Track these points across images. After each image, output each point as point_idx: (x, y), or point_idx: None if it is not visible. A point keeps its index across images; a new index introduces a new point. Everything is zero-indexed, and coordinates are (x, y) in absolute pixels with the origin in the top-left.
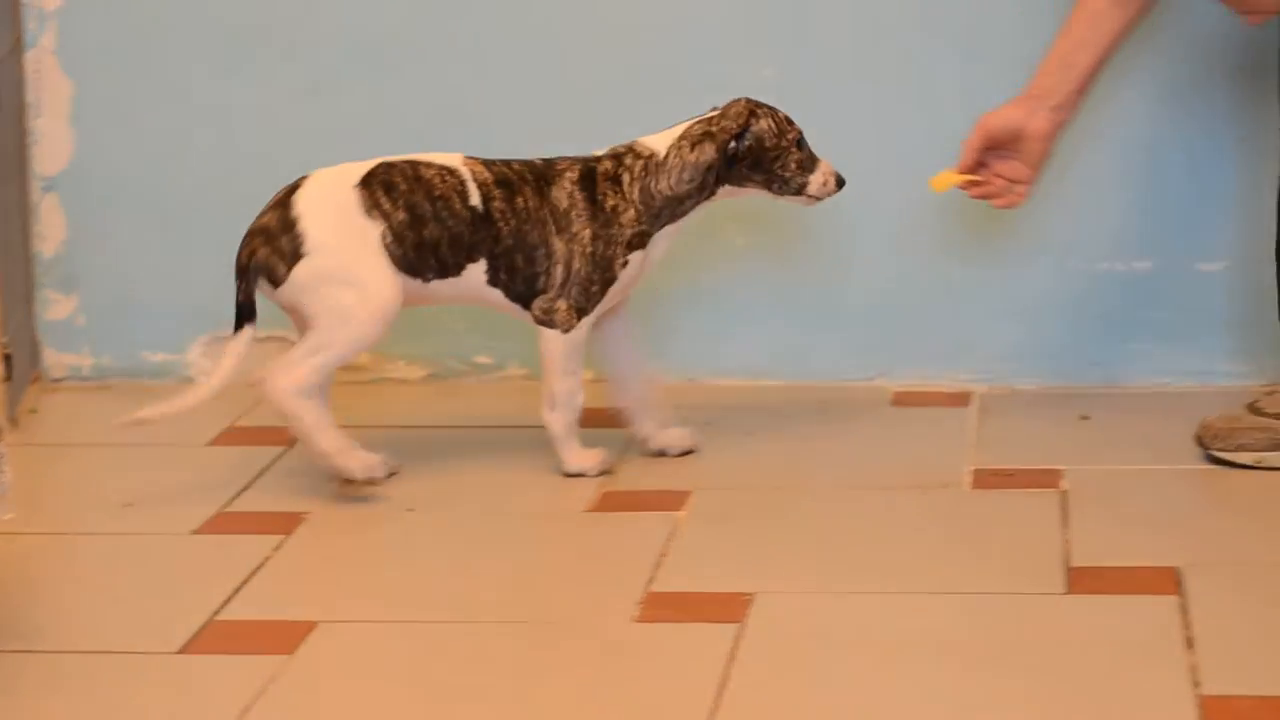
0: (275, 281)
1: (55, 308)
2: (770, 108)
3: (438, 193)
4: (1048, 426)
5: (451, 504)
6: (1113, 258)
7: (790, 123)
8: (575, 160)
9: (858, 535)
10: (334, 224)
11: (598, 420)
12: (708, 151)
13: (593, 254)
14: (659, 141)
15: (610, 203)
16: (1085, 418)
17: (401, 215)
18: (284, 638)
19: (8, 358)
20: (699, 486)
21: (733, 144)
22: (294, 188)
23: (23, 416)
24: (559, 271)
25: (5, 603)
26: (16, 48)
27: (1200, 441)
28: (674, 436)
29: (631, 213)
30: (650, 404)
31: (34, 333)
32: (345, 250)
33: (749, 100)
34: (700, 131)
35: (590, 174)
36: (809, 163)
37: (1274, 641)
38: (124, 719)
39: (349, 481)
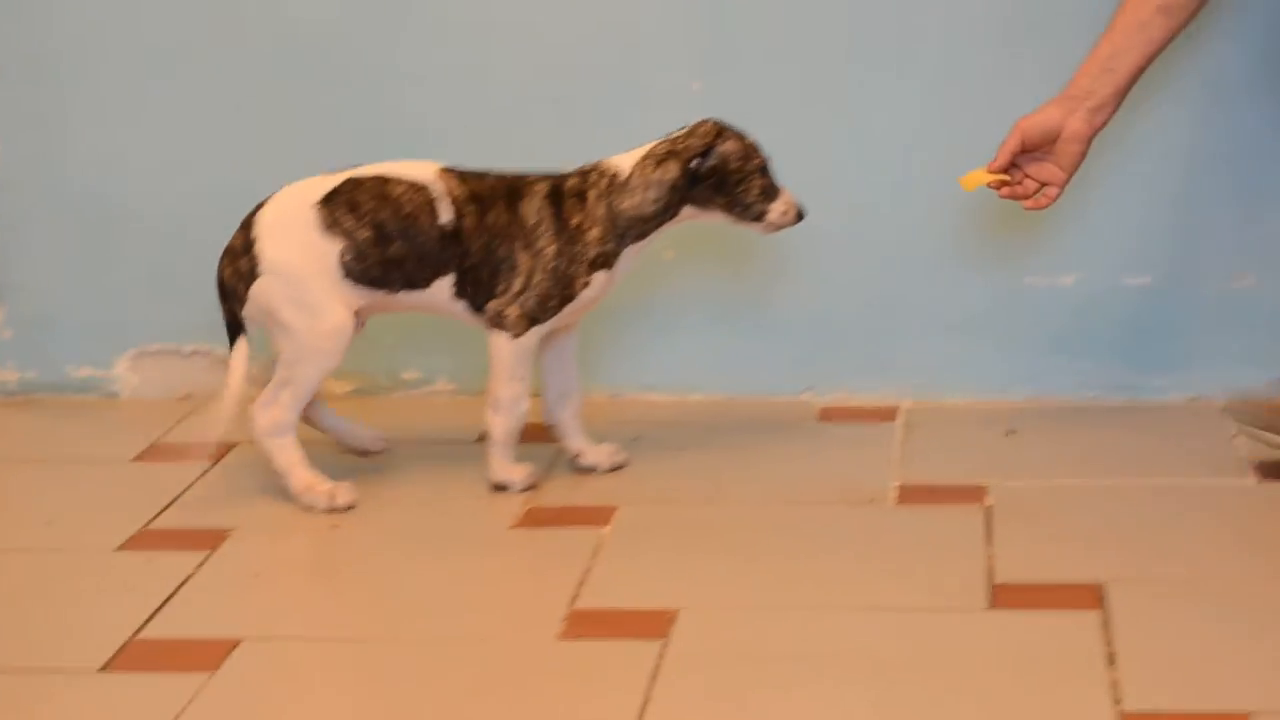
0: (240, 301)
1: None
2: (739, 131)
3: (405, 210)
4: (974, 441)
5: (377, 520)
6: (1036, 272)
7: (757, 149)
8: (546, 177)
9: (783, 551)
10: (290, 243)
11: (527, 434)
12: (671, 169)
13: (554, 269)
14: (625, 160)
15: (575, 220)
16: (1012, 432)
17: (366, 233)
18: (207, 655)
19: None
20: (625, 502)
21: (696, 161)
22: (260, 205)
23: None
24: (518, 282)
25: None
26: None
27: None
28: (603, 453)
29: (596, 231)
30: (580, 420)
31: None
32: (299, 269)
33: (717, 121)
34: (665, 150)
35: (558, 191)
36: (771, 190)
37: (1195, 657)
38: None
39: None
